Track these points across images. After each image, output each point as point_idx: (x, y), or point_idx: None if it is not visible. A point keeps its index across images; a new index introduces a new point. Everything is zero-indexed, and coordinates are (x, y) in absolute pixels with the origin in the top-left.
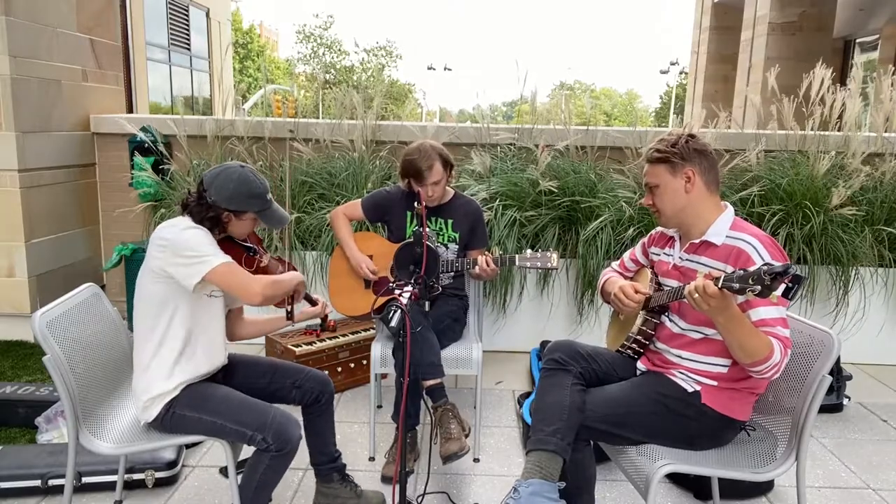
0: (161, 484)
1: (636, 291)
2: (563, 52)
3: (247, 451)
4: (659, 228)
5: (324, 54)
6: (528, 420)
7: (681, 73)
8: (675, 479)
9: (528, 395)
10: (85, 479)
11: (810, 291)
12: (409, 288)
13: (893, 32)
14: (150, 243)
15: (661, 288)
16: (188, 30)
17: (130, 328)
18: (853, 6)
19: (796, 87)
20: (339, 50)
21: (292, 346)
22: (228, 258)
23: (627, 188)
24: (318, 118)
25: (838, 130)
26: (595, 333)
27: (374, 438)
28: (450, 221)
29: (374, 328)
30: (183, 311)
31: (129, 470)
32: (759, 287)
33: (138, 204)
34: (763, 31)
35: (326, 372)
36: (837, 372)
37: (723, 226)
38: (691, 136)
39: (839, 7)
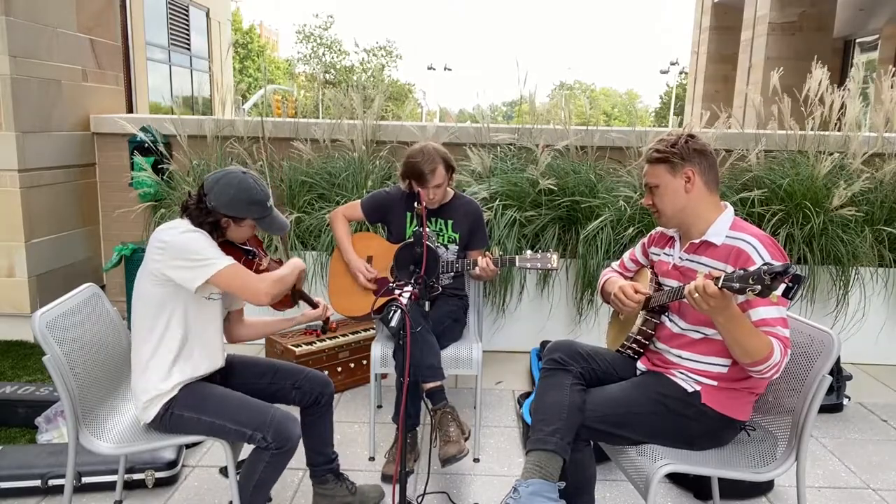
0: (161, 484)
1: (636, 291)
2: (563, 52)
3: (247, 452)
4: (659, 228)
5: (324, 54)
6: (528, 420)
7: (681, 73)
8: (675, 479)
9: (528, 395)
10: (85, 479)
11: (810, 291)
12: (409, 288)
13: (893, 32)
14: (149, 245)
15: (660, 288)
16: (188, 30)
17: (130, 328)
18: (853, 6)
19: (796, 87)
20: (339, 50)
21: (292, 346)
22: (232, 260)
23: (628, 186)
24: (318, 118)
25: (838, 131)
26: (595, 333)
27: (374, 438)
28: (450, 222)
29: (374, 328)
30: (181, 312)
31: (129, 470)
32: (759, 287)
33: (138, 204)
34: (763, 31)
35: (326, 372)
36: (837, 372)
37: (723, 226)
38: (691, 136)
39: (839, 7)
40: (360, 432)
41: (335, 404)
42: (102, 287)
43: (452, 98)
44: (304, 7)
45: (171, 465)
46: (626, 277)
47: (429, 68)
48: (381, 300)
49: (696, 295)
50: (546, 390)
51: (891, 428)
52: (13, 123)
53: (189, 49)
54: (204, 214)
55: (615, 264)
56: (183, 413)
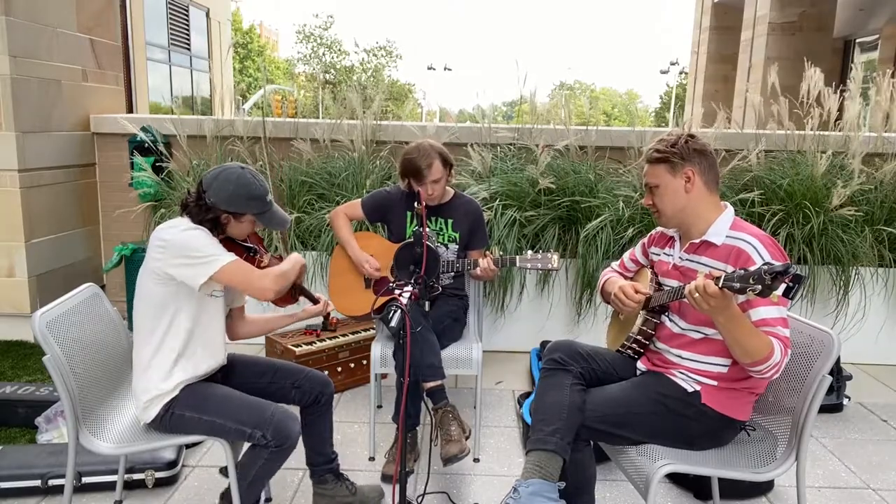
0: (161, 484)
1: (636, 291)
2: (563, 52)
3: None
4: (659, 228)
5: (324, 54)
6: (528, 420)
7: (681, 73)
8: (675, 479)
9: (528, 395)
10: (85, 479)
11: (810, 291)
12: (409, 288)
13: (893, 32)
14: (150, 245)
15: (661, 288)
16: (188, 30)
17: (130, 328)
18: (853, 6)
19: (796, 87)
20: (339, 50)
21: (292, 346)
22: (234, 256)
23: (628, 187)
24: (318, 118)
25: (839, 131)
26: (595, 333)
27: (374, 438)
28: (450, 221)
29: (374, 328)
30: (183, 311)
31: (129, 470)
32: (759, 286)
33: (138, 204)
34: (763, 31)
35: (326, 372)
36: (837, 372)
37: (723, 226)
38: (691, 135)
39: (839, 7)
40: (360, 432)
41: (335, 404)
42: (102, 287)
43: (452, 98)
44: (304, 7)
45: (171, 465)
46: (626, 277)
47: (429, 68)
48: (381, 300)
49: (697, 295)
50: (546, 390)
51: (891, 428)
52: (13, 123)
53: (189, 49)
54: (204, 211)
55: (615, 264)
56: (184, 413)
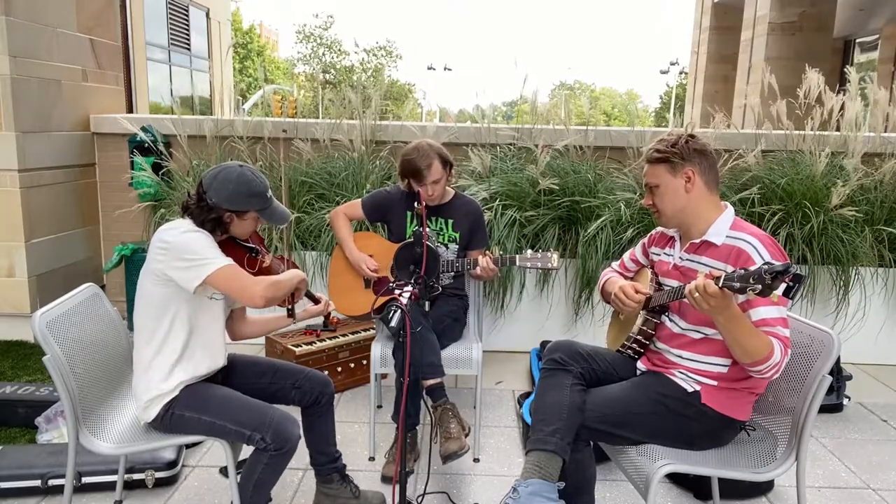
0: (161, 484)
1: (636, 291)
2: (563, 52)
3: (247, 452)
4: (659, 228)
5: (324, 54)
6: (528, 420)
7: (681, 73)
8: (675, 479)
9: (528, 395)
10: (85, 479)
11: (810, 291)
12: (409, 288)
13: (893, 32)
14: (151, 246)
15: (661, 288)
16: (188, 30)
17: (130, 328)
18: (853, 6)
19: (796, 87)
20: (339, 50)
21: (292, 346)
22: (230, 261)
23: (627, 188)
24: (317, 118)
25: (837, 131)
26: (594, 333)
27: (374, 438)
28: (450, 221)
29: (374, 328)
30: (184, 313)
31: (129, 470)
32: (759, 286)
33: (138, 204)
34: (763, 31)
35: (326, 372)
36: (837, 372)
37: (723, 226)
38: (691, 135)
39: (839, 7)
40: (360, 432)
41: (335, 404)
42: (102, 287)
43: (452, 98)
44: (304, 7)
45: (171, 465)
46: (626, 277)
47: (429, 68)
48: (381, 300)
49: (697, 294)
50: (546, 390)
51: (891, 428)
52: (13, 123)
53: (189, 49)
54: (206, 212)
55: (615, 264)
56: (184, 413)
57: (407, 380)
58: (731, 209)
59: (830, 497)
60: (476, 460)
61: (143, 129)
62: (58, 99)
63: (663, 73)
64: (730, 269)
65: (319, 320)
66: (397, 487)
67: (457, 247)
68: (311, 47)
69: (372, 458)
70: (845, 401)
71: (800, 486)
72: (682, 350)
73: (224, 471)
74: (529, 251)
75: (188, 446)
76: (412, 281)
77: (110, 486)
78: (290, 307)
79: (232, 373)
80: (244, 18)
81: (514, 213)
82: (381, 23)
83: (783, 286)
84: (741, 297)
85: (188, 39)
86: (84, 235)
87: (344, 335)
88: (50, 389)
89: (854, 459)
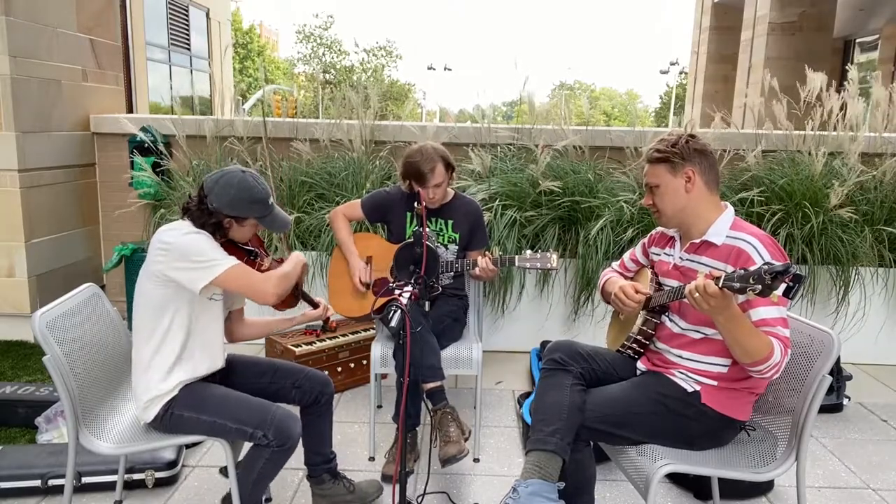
0: (161, 484)
1: (636, 291)
2: (563, 52)
3: (247, 451)
4: (659, 228)
5: (324, 54)
6: (528, 420)
7: (681, 73)
8: (675, 479)
9: (528, 395)
10: (85, 479)
11: (810, 292)
12: (409, 288)
13: (893, 32)
14: (151, 247)
15: (661, 288)
16: (188, 30)
17: (130, 328)
18: (853, 6)
19: (796, 87)
20: (339, 50)
21: (292, 346)
22: (237, 260)
23: (627, 188)
24: (317, 118)
25: (835, 130)
26: (594, 333)
27: (374, 438)
28: (450, 222)
29: (374, 328)
30: (183, 313)
31: (129, 470)
32: (759, 286)
33: (138, 204)
34: (763, 31)
35: (326, 372)
36: (837, 372)
37: (723, 226)
38: (691, 135)
39: (839, 7)
40: (360, 432)
41: (335, 404)
42: (102, 287)
43: (452, 98)
44: (304, 7)
45: (171, 465)
46: (626, 277)
47: (429, 68)
48: (381, 300)
49: (697, 295)
50: (546, 390)
51: (891, 428)
52: (13, 123)
53: (189, 49)
54: (206, 216)
55: (615, 264)
56: (183, 413)
57: (407, 380)
58: (731, 209)
59: (830, 497)
60: (476, 460)
61: (143, 129)
62: (58, 99)
63: (663, 73)
64: (730, 269)
65: (321, 322)
66: (397, 487)
67: (457, 247)
68: (311, 47)
69: (372, 458)
70: (845, 401)
71: (800, 486)
72: (682, 350)
73: (224, 471)
74: (529, 252)
75: (188, 446)
76: (412, 281)
77: (110, 486)
78: (324, 322)
79: (232, 373)
80: (244, 18)
81: (514, 214)
82: (381, 23)
83: (783, 286)
84: (741, 298)
85: (188, 39)
86: (84, 235)
87: (344, 335)
88: (50, 389)
89: (854, 459)
